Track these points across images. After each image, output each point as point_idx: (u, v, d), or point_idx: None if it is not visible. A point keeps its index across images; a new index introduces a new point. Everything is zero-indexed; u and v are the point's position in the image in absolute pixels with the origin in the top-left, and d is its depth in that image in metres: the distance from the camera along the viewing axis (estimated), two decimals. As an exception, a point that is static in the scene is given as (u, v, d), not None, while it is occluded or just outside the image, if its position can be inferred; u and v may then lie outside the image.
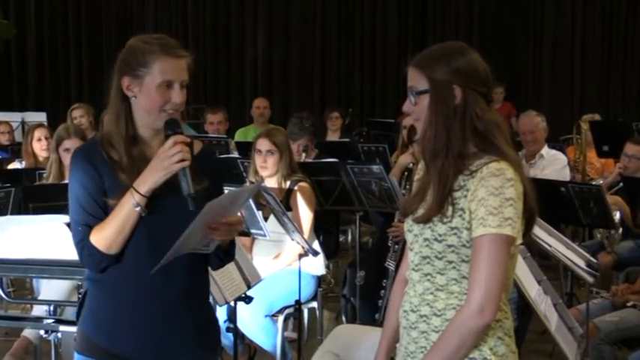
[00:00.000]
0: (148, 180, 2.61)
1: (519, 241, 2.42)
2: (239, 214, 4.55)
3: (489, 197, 2.35)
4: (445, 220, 2.41)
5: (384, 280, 5.48)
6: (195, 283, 2.80)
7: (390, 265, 5.49)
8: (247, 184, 5.27)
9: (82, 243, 2.67)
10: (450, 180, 2.42)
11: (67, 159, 5.48)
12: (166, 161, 2.60)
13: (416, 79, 2.50)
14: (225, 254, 2.84)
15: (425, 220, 2.45)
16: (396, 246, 5.47)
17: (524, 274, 3.40)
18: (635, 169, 6.49)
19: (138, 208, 2.61)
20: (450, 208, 2.41)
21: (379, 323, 5.28)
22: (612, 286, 5.07)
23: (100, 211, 2.67)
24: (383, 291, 5.49)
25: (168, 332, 2.74)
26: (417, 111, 2.51)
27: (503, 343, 2.44)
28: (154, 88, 2.65)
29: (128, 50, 2.71)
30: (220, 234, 2.63)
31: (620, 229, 6.29)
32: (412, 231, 2.53)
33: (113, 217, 2.64)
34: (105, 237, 2.64)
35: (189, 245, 2.62)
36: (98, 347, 2.75)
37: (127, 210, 2.62)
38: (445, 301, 2.44)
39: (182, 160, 2.59)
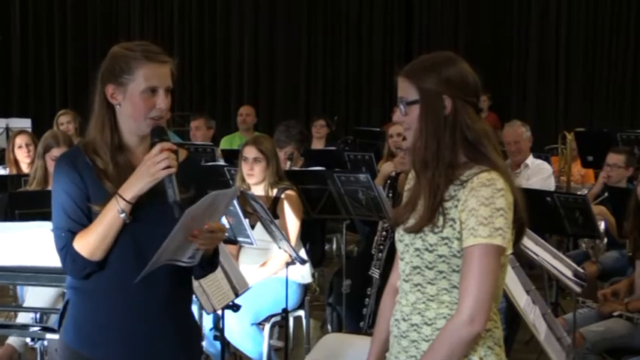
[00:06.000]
0: (134, 186, 2.61)
1: (510, 251, 2.44)
2: (225, 222, 4.57)
3: (480, 207, 2.36)
4: (436, 230, 2.42)
5: (369, 289, 5.48)
6: (177, 293, 2.80)
7: (374, 273, 5.49)
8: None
9: (66, 249, 2.67)
10: (441, 190, 2.43)
11: (53, 167, 5.44)
12: (152, 168, 2.60)
13: (406, 90, 2.50)
14: (209, 264, 2.82)
15: (416, 230, 2.45)
16: (380, 254, 5.47)
17: (514, 283, 3.41)
18: (618, 178, 6.53)
19: (123, 215, 2.61)
20: (441, 218, 2.41)
21: (364, 331, 5.28)
22: (599, 292, 5.06)
23: (84, 218, 2.67)
24: (367, 299, 5.49)
25: (151, 341, 2.73)
26: (407, 121, 2.51)
27: (493, 353, 2.45)
28: (138, 95, 2.65)
29: (111, 58, 2.71)
30: (203, 242, 2.62)
31: (605, 239, 6.31)
32: (403, 241, 2.53)
33: (97, 223, 2.63)
34: (88, 243, 2.63)
35: (171, 254, 2.60)
36: (80, 356, 2.74)
37: (111, 216, 2.61)
38: (436, 311, 2.44)
39: (168, 167, 2.59)
